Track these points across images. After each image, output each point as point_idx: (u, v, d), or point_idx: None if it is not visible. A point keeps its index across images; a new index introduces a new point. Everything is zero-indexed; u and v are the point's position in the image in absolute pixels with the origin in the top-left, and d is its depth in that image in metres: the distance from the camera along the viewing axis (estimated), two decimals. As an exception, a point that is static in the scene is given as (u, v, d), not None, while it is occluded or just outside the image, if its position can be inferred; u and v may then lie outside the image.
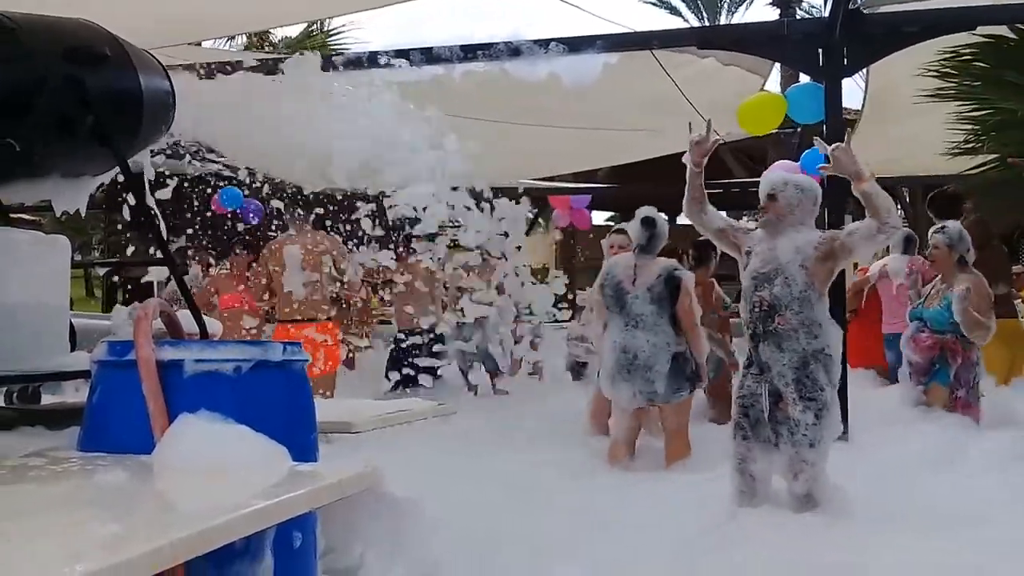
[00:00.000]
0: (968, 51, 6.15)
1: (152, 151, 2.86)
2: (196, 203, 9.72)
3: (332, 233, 7.48)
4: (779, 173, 4.19)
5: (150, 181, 2.78)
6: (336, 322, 7.28)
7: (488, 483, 4.21)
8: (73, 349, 2.57)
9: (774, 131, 10.77)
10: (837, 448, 3.76)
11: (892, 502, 3.66)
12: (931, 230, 5.73)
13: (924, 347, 5.48)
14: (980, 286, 5.37)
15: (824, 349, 3.64)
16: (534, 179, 11.60)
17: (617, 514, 3.77)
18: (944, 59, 6.21)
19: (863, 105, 8.68)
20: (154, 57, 2.68)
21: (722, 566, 3.04)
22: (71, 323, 2.61)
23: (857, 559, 3.02)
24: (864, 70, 7.09)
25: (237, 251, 8.32)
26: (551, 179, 12.26)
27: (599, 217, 19.84)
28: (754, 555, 3.10)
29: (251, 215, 10.49)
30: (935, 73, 6.27)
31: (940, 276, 5.63)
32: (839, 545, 3.17)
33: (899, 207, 12.89)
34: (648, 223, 5.10)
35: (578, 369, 7.94)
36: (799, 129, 9.45)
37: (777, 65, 8.96)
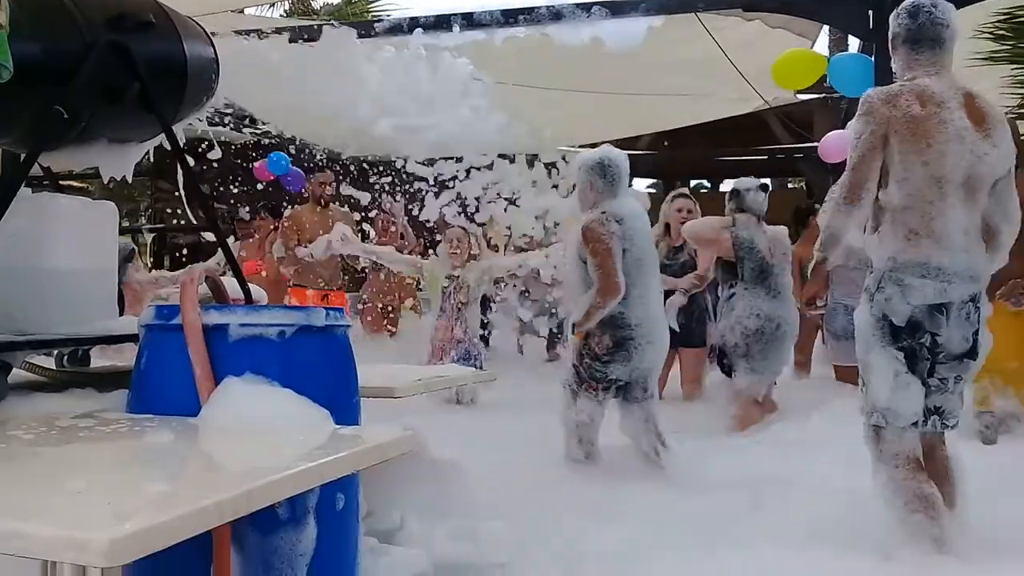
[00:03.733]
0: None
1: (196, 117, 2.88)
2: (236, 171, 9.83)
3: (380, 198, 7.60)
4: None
5: (197, 147, 2.81)
6: (341, 291, 7.43)
7: (527, 446, 4.24)
8: (122, 313, 2.62)
9: (820, 96, 10.59)
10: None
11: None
12: None
13: None
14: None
15: None
16: (576, 146, 11.53)
17: (658, 474, 3.79)
18: (999, 21, 6.05)
19: (914, 69, 8.47)
20: (198, 24, 2.70)
21: (765, 526, 3.03)
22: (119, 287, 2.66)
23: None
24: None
25: (262, 216, 8.40)
26: (593, 146, 12.17)
27: (641, 184, 19.67)
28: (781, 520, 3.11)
29: (291, 182, 10.56)
30: (989, 35, 6.11)
31: None
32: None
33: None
34: (766, 189, 5.14)
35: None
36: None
37: (826, 28, 8.78)
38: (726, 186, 20.56)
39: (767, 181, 5.22)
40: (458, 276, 6.16)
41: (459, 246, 6.21)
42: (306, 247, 6.87)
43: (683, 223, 5.75)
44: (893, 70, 3.05)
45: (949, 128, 2.77)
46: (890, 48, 3.00)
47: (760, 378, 4.88)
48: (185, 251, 11.45)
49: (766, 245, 4.95)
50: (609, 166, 4.06)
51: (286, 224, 7.36)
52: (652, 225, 5.64)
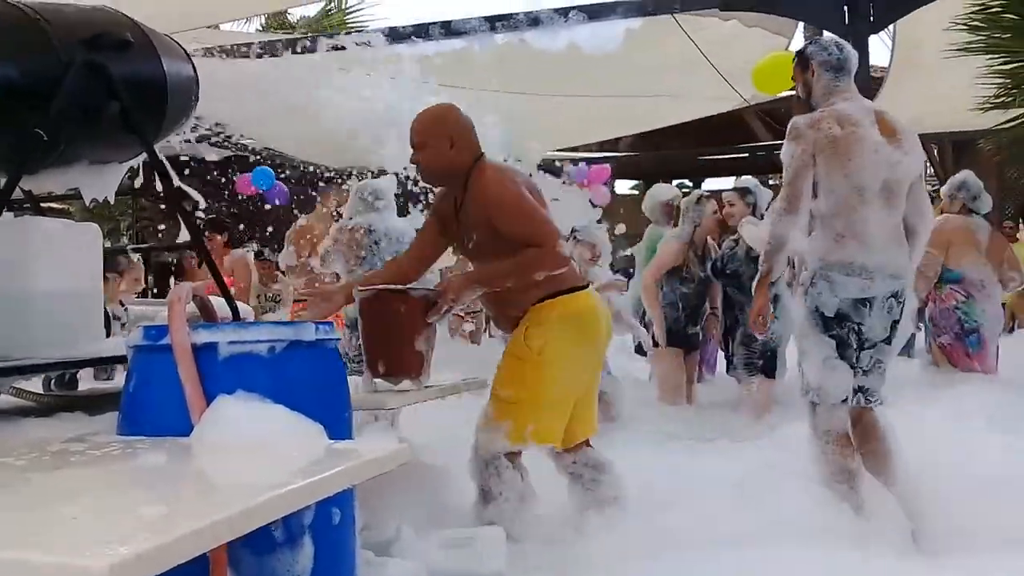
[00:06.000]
0: (997, 3, 6.02)
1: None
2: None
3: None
4: None
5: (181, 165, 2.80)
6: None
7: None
8: (108, 335, 2.60)
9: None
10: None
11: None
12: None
13: None
14: (944, 222, 5.28)
15: None
16: (557, 150, 11.54)
17: (654, 479, 3.77)
18: (973, 11, 6.08)
19: (890, 62, 8.55)
20: (176, 42, 2.69)
21: (760, 526, 3.02)
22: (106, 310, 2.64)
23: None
24: (891, 26, 6.96)
25: (208, 235, 7.71)
26: (575, 149, 12.20)
27: (623, 186, 19.70)
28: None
29: (276, 197, 10.54)
30: (964, 26, 6.15)
31: None
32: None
33: (927, 164, 12.71)
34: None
35: None
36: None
37: (801, 25, 8.84)
38: (708, 185, 20.62)
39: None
40: (591, 282, 5.74)
41: (596, 251, 5.50)
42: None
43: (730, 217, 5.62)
44: (802, 95, 3.46)
45: (865, 144, 3.18)
46: (812, 73, 3.39)
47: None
48: (173, 269, 11.33)
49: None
50: (365, 190, 5.07)
51: (298, 233, 7.07)
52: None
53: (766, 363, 5.18)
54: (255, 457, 1.62)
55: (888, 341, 3.26)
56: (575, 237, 5.29)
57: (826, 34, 5.21)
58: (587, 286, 3.24)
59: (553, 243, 2.94)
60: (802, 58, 3.44)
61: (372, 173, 5.88)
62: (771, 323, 4.92)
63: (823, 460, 3.24)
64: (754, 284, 3.44)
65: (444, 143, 3.05)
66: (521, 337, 3.06)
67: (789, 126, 3.29)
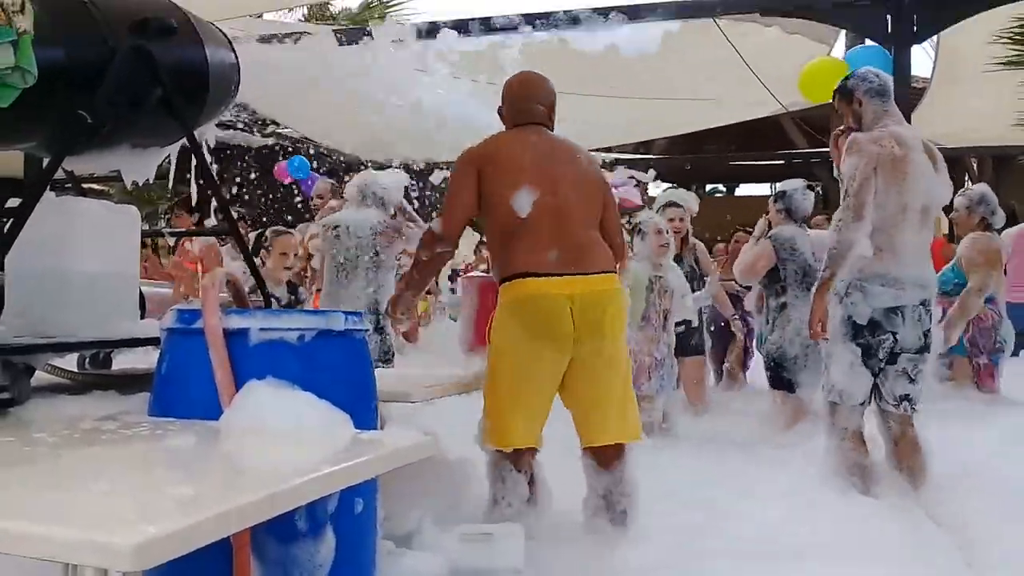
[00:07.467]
0: (1043, 17, 5.95)
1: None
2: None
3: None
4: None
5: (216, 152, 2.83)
6: None
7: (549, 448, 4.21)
8: (142, 317, 2.64)
9: (838, 100, 10.51)
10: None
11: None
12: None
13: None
14: (978, 240, 5.24)
15: None
16: (592, 150, 11.51)
17: (684, 490, 3.76)
18: (1018, 24, 6.01)
19: (932, 73, 8.45)
20: (219, 29, 2.72)
21: (797, 542, 2.99)
22: (141, 291, 2.68)
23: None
24: (934, 37, 6.88)
25: (177, 214, 7.60)
26: (609, 150, 12.17)
27: (655, 188, 19.60)
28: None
29: (309, 186, 10.62)
30: (1008, 39, 6.08)
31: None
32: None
33: (967, 177, 12.55)
34: (812, 190, 5.15)
35: None
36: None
37: (843, 33, 8.75)
38: (741, 190, 20.48)
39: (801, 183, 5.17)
40: (661, 276, 5.03)
41: (664, 238, 5.02)
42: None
43: (677, 233, 5.45)
44: (852, 124, 3.56)
45: (917, 167, 3.42)
46: (858, 103, 3.55)
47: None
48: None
49: (809, 248, 4.86)
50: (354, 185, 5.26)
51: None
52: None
53: (772, 375, 4.97)
54: (282, 443, 1.64)
55: (927, 349, 3.47)
56: (640, 229, 5.05)
57: (866, 44, 5.15)
58: (545, 274, 2.84)
59: (435, 228, 2.96)
60: (845, 91, 3.60)
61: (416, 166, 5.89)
62: (773, 333, 4.90)
63: (837, 453, 3.47)
64: (813, 289, 3.53)
65: (503, 108, 3.22)
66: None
67: (849, 141, 3.47)
